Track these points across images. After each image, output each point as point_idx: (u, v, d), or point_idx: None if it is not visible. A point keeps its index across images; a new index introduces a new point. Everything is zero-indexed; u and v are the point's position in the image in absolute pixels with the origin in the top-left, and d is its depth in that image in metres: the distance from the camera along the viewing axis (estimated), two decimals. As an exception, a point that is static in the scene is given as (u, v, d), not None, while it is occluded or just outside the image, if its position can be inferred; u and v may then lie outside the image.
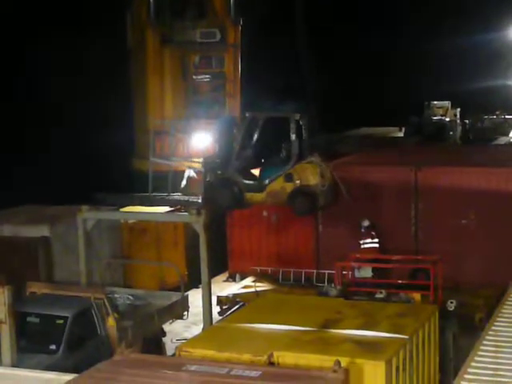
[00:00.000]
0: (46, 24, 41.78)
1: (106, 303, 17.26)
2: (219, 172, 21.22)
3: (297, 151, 21.10)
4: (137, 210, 24.23)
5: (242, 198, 21.26)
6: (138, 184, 29.24)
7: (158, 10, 30.21)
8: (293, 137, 21.06)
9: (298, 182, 21.08)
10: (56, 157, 39.81)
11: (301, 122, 21.08)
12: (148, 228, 24.58)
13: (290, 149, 21.19)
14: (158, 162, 23.17)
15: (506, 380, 9.55)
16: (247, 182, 21.29)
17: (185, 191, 22.33)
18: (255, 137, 21.42)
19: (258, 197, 21.25)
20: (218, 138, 21.43)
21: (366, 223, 21.74)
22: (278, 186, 21.14)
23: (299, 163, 21.12)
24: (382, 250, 21.66)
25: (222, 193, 21.14)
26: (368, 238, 21.59)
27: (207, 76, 30.92)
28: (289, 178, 21.09)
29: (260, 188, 21.23)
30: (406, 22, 63.02)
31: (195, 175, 22.44)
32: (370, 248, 21.47)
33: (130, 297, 19.82)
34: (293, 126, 21.03)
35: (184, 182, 22.37)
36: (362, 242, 21.55)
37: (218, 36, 30.61)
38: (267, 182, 21.20)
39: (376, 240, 21.61)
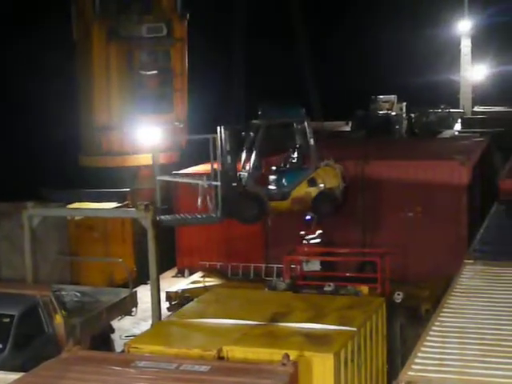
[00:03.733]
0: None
1: (53, 300, 17.09)
2: (234, 184, 20.70)
3: (316, 155, 21.37)
4: (84, 207, 24.06)
5: (266, 209, 21.05)
6: (84, 180, 29.09)
7: (104, 3, 29.98)
8: (311, 141, 21.30)
9: (321, 185, 21.30)
10: (1, 152, 39.33)
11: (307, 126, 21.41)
12: (95, 224, 24.38)
13: (308, 153, 21.39)
14: (165, 179, 21.64)
15: (452, 369, 9.67)
16: (270, 191, 21.13)
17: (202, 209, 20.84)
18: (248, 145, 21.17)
19: (283, 205, 21.20)
20: (230, 149, 20.46)
21: (308, 217, 21.86)
22: (302, 191, 21.26)
23: (319, 167, 21.40)
24: (330, 243, 21.76)
25: (247, 206, 20.75)
26: (310, 232, 21.68)
27: (154, 71, 30.79)
28: (312, 182, 21.29)
29: (284, 196, 21.18)
30: (351, 16, 63.38)
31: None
32: (311, 244, 21.58)
33: (78, 294, 19.66)
34: (310, 130, 21.30)
35: (200, 200, 20.77)
36: (304, 236, 21.65)
37: (165, 31, 30.51)
38: (290, 189, 21.20)
39: (318, 235, 21.69)
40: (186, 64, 31.56)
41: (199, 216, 20.89)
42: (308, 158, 21.62)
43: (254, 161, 21.03)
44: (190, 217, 21.02)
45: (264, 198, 20.89)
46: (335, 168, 21.63)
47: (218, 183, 20.19)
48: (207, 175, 20.62)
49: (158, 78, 30.82)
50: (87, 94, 30.54)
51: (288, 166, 21.81)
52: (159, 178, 21.01)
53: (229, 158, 20.40)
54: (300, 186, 21.29)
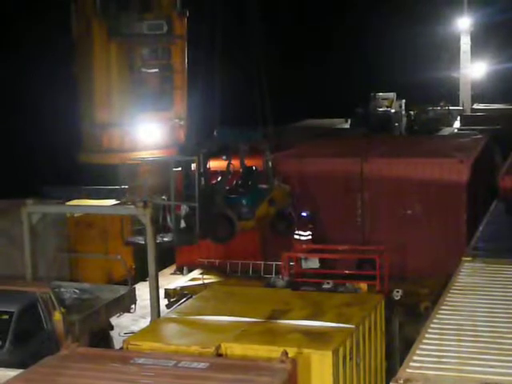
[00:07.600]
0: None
1: (52, 297, 17.10)
2: (208, 206, 21.03)
3: (273, 176, 22.14)
4: (83, 204, 24.08)
5: (236, 228, 21.40)
6: (84, 177, 29.12)
7: (104, 1, 30.01)
8: (270, 164, 22.10)
9: (278, 205, 22.07)
10: (1, 150, 39.37)
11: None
12: (94, 221, 24.41)
13: (267, 174, 22.09)
14: (157, 202, 21.32)
15: (450, 367, 9.69)
16: (238, 211, 21.47)
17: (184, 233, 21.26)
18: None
19: (249, 224, 21.72)
20: (204, 171, 20.96)
21: (302, 214, 22.19)
22: (264, 211, 21.88)
23: (274, 188, 22.09)
24: (329, 241, 21.81)
25: (220, 226, 21.20)
26: (302, 229, 21.93)
27: (155, 68, 30.86)
28: (272, 202, 21.98)
29: (249, 215, 21.62)
30: (351, 13, 63.42)
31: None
32: (302, 241, 21.77)
33: (77, 291, 19.68)
34: (268, 153, 22.04)
35: (183, 223, 21.28)
36: (296, 232, 21.93)
37: (165, 28, 30.57)
38: (255, 208, 21.65)
39: (309, 232, 21.97)
40: (186, 61, 31.60)
41: (178, 238, 21.17)
42: (264, 178, 22.18)
43: (226, 183, 21.47)
44: (170, 239, 21.14)
45: (234, 218, 21.23)
46: (285, 188, 22.40)
47: (196, 204, 20.54)
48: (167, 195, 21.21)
49: (159, 75, 30.88)
50: (88, 91, 30.56)
51: (248, 187, 22.18)
52: (155, 201, 20.86)
53: (203, 179, 20.91)
54: (262, 205, 21.83)
